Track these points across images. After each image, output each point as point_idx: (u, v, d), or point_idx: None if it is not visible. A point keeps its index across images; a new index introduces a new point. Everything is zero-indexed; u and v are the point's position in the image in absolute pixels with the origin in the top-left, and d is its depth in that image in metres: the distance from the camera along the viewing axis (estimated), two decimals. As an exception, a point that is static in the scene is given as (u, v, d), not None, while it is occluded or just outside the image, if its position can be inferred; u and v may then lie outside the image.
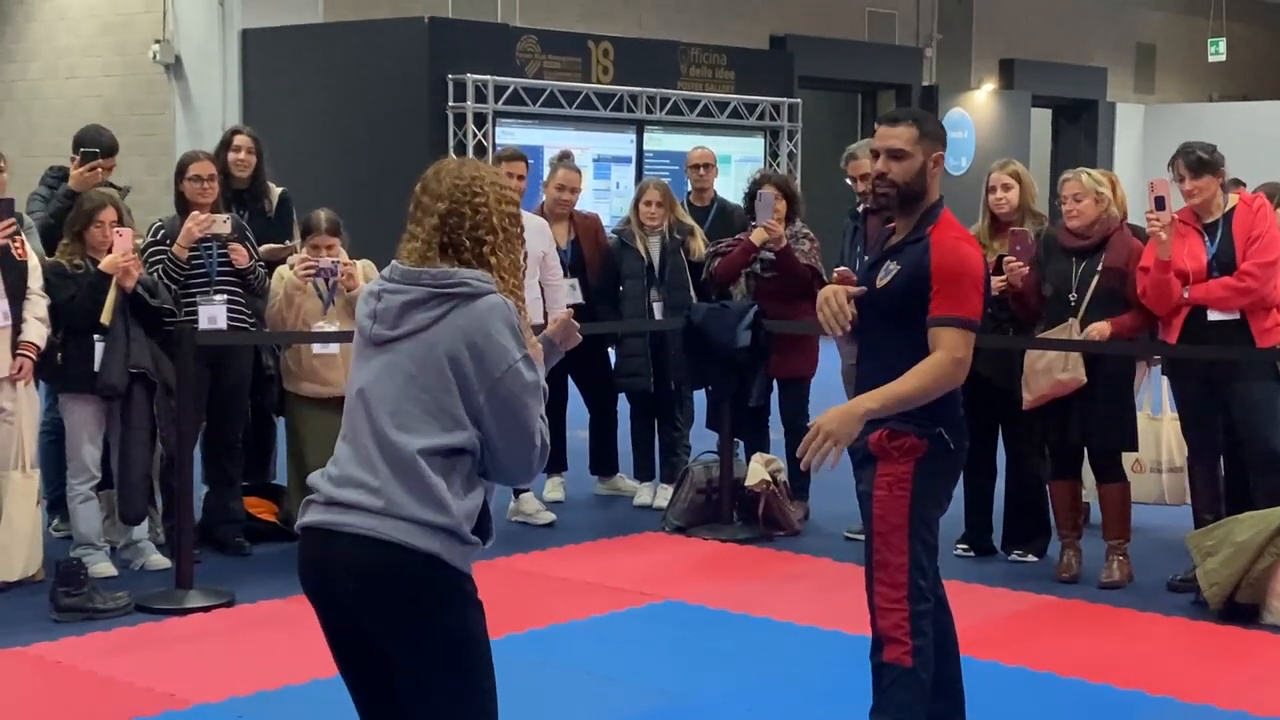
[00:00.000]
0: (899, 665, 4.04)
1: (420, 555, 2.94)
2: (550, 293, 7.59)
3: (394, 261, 3.12)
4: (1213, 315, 6.18)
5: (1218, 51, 21.95)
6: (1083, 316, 6.36)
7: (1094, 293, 6.38)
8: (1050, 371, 6.36)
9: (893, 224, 4.28)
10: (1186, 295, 6.18)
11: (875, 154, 4.16)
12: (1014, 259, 6.40)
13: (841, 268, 4.68)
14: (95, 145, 6.93)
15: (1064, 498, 6.62)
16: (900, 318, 4.08)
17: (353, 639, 3.07)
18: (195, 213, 6.58)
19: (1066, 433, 6.44)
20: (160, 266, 6.57)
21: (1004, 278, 6.46)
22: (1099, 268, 6.38)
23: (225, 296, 6.69)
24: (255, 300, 6.86)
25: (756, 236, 7.32)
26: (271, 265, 7.01)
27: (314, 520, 3.05)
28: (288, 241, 7.20)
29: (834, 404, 4.08)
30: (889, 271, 4.13)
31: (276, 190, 7.45)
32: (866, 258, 4.33)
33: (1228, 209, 6.26)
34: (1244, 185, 8.25)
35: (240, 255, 6.67)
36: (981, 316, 4.10)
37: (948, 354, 3.98)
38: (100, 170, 6.89)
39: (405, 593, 2.96)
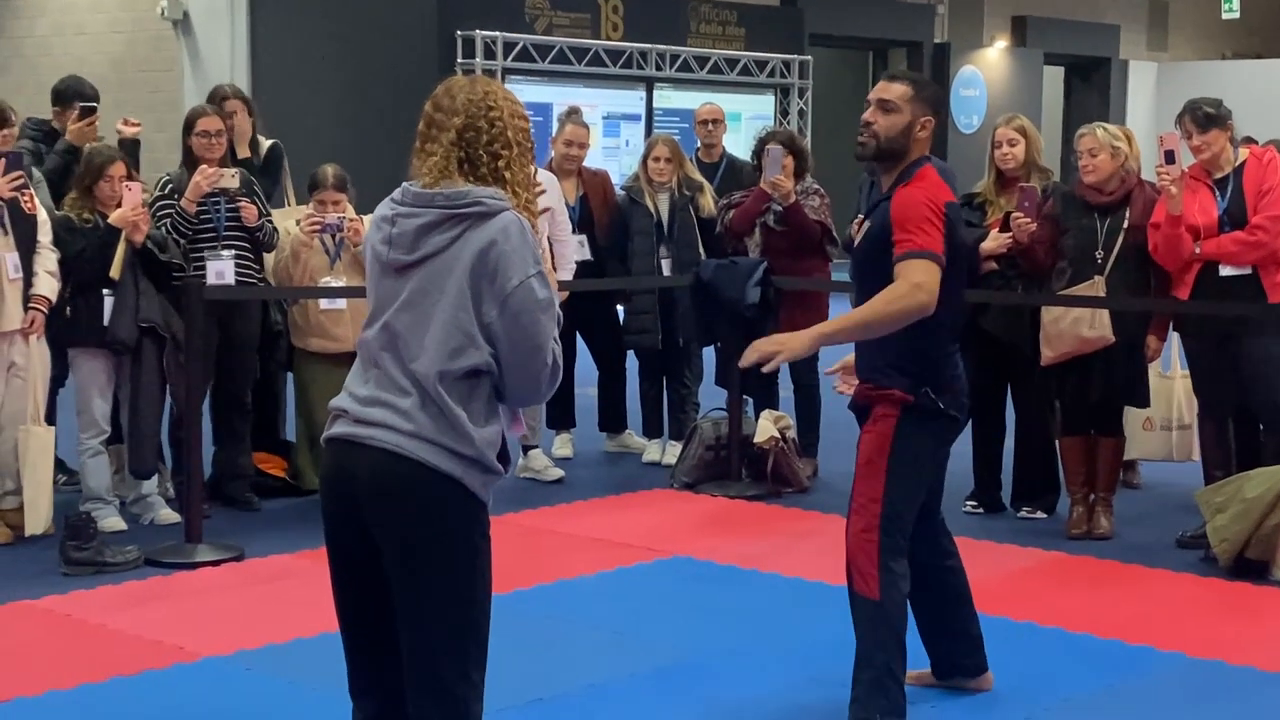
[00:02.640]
0: (867, 597, 4.15)
1: (442, 476, 2.98)
2: (558, 248, 7.57)
3: (404, 184, 3.10)
4: (1225, 270, 6.16)
5: (1231, 9, 21.79)
6: (1109, 274, 6.34)
7: (1120, 250, 6.36)
8: (1076, 329, 6.34)
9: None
10: (1198, 250, 6.15)
11: (867, 105, 4.28)
12: (1020, 214, 6.38)
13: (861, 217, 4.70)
14: (84, 98, 6.99)
15: (1074, 454, 6.61)
16: (872, 273, 4.22)
17: (360, 555, 3.07)
18: (203, 167, 6.57)
19: (1085, 389, 6.43)
20: (168, 221, 6.56)
21: (1010, 234, 6.45)
22: (1124, 225, 6.36)
23: (233, 252, 6.68)
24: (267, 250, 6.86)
25: (766, 188, 7.30)
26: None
27: (341, 432, 3.08)
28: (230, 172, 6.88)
29: (844, 360, 4.18)
30: (863, 230, 4.32)
31: (266, 143, 7.43)
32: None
33: (1238, 164, 6.23)
34: (1256, 143, 8.20)
35: (250, 212, 6.66)
36: (943, 251, 4.12)
37: (904, 280, 4.08)
38: (96, 123, 6.91)
39: (423, 510, 2.99)
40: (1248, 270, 6.15)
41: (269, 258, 6.90)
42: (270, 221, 6.84)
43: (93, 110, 6.90)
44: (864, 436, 4.26)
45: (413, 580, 3.01)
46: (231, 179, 6.62)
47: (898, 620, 4.20)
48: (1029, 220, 6.37)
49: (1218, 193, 6.21)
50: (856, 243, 4.35)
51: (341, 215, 6.71)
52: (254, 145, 7.34)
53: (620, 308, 8.12)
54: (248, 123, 7.25)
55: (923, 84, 4.32)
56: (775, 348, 4.08)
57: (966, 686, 4.62)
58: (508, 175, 3.06)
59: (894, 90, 4.24)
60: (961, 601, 4.53)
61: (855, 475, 4.25)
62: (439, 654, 3.03)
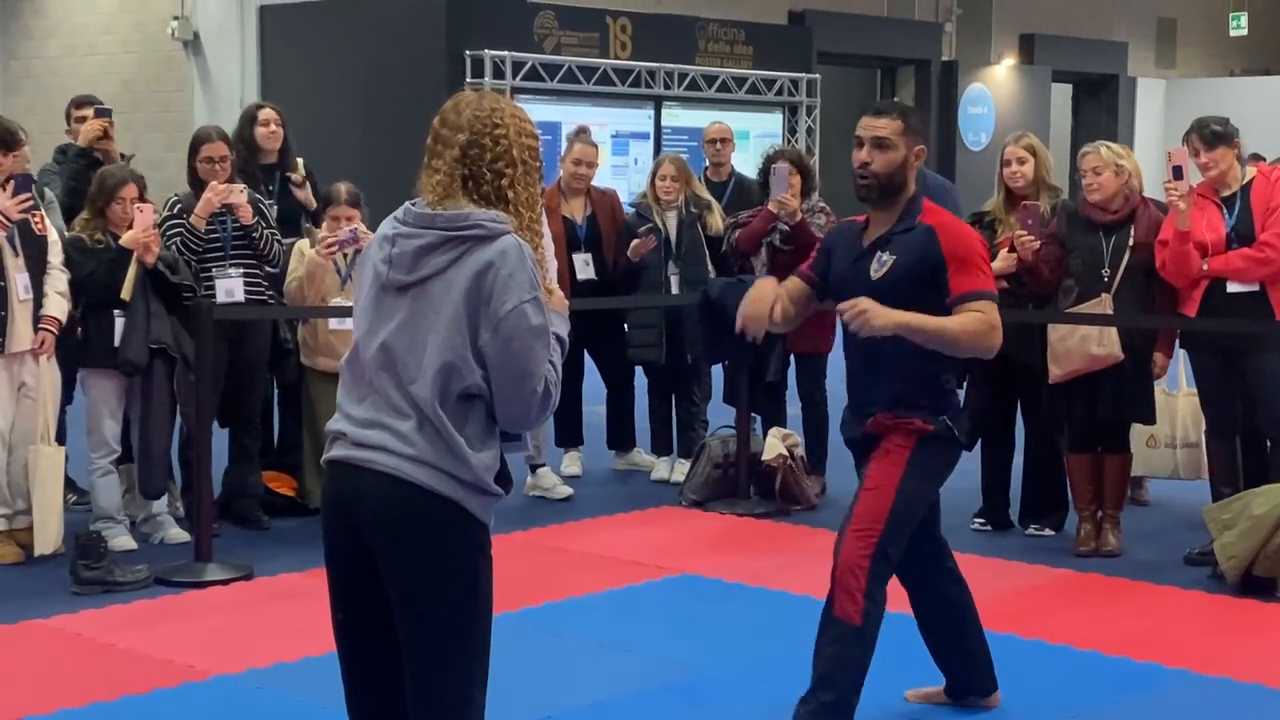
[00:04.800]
0: (848, 622, 4.14)
1: (442, 499, 2.98)
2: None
3: (406, 204, 3.10)
4: (1232, 287, 6.17)
5: (1239, 25, 21.82)
6: (1115, 292, 6.35)
7: (1126, 268, 6.37)
8: (1085, 347, 6.34)
9: (862, 218, 4.40)
10: (1205, 267, 6.16)
11: (859, 144, 4.25)
12: (1024, 232, 6.39)
13: None
14: (86, 105, 7.18)
15: (1082, 471, 6.61)
16: (901, 308, 4.14)
17: (361, 577, 3.07)
18: (214, 183, 6.60)
19: (1092, 406, 6.44)
20: (178, 238, 6.59)
21: (1015, 253, 6.47)
22: (1130, 243, 6.38)
23: (241, 270, 6.71)
24: (271, 266, 6.88)
25: (773, 207, 7.32)
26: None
27: (340, 455, 3.07)
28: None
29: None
30: (883, 263, 4.22)
31: (300, 162, 7.48)
32: (849, 255, 4.37)
33: (1245, 181, 6.25)
34: (1264, 160, 8.22)
35: (245, 211, 6.66)
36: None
37: (987, 319, 4.14)
38: (109, 127, 7.04)
39: (423, 533, 2.99)
40: (1255, 287, 6.16)
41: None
42: (273, 232, 6.84)
43: (109, 112, 7.02)
44: (874, 463, 4.22)
45: (414, 602, 3.01)
46: (240, 194, 6.65)
47: (870, 647, 4.20)
48: (1032, 238, 6.39)
49: (1225, 210, 6.22)
50: (879, 276, 4.22)
51: (354, 228, 6.72)
52: (294, 165, 7.36)
53: (625, 324, 8.13)
54: (280, 134, 7.28)
55: (908, 112, 4.32)
56: (865, 308, 4.03)
57: (979, 705, 4.63)
58: (511, 194, 3.04)
59: (885, 126, 4.21)
60: (970, 622, 4.54)
61: (858, 498, 4.21)
62: (441, 675, 3.02)
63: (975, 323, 4.13)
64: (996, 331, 4.17)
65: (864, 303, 4.06)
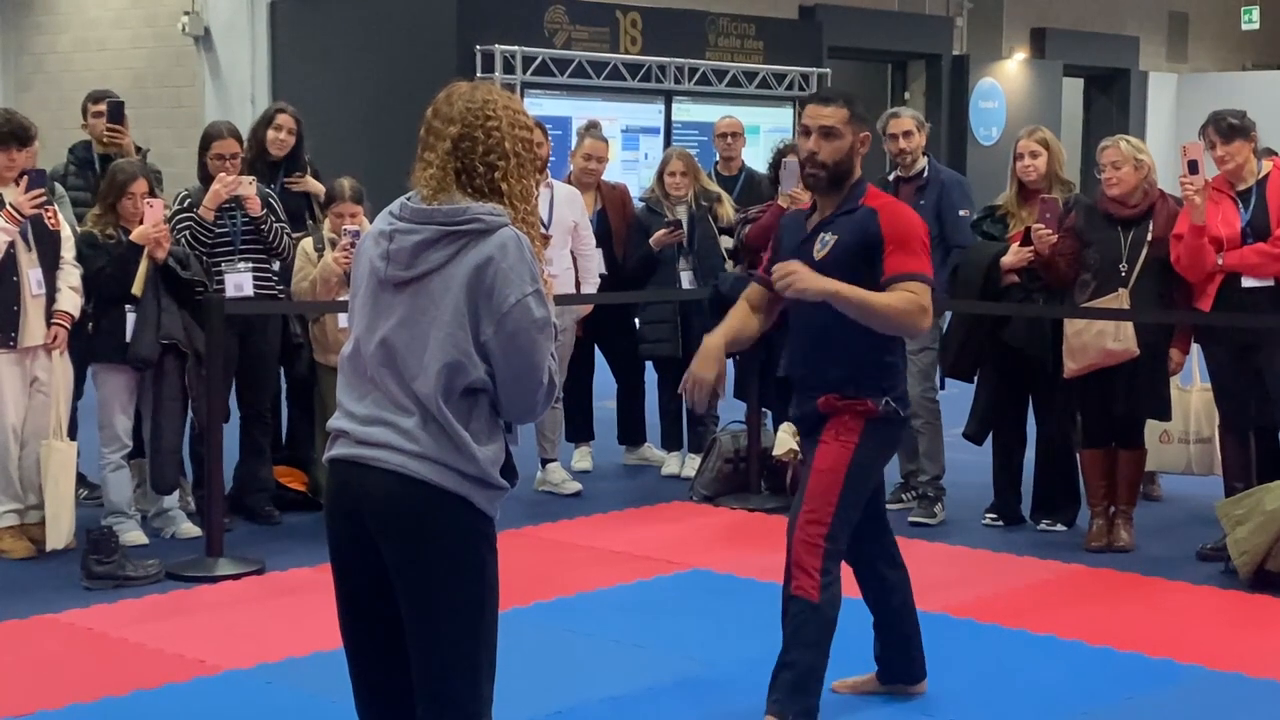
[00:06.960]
0: (806, 599, 4.19)
1: (448, 494, 2.97)
2: (583, 262, 7.60)
3: (402, 199, 3.08)
4: (1247, 282, 6.15)
5: (1251, 20, 21.76)
6: (1133, 287, 6.33)
7: (1144, 263, 6.35)
8: (1101, 341, 6.32)
9: (795, 202, 4.44)
10: (1221, 262, 6.14)
11: (806, 132, 4.30)
12: (1042, 226, 6.38)
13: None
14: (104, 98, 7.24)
15: (1095, 466, 6.60)
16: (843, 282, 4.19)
17: (368, 574, 3.07)
18: (221, 175, 6.60)
19: (1107, 402, 6.42)
20: (188, 231, 6.59)
21: (1032, 247, 6.45)
22: (1148, 238, 6.35)
23: (250, 264, 6.71)
24: (281, 260, 6.89)
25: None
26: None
27: (345, 453, 3.06)
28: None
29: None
30: (825, 243, 4.28)
31: (308, 162, 7.46)
32: (798, 239, 4.41)
33: (1261, 176, 6.22)
34: (1277, 155, 8.19)
35: (254, 203, 6.66)
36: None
37: (918, 300, 4.17)
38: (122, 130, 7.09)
39: (430, 528, 2.98)
40: (1271, 282, 6.14)
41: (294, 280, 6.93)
42: (283, 227, 6.83)
43: (119, 106, 7.04)
44: (824, 446, 4.27)
45: (422, 597, 3.01)
46: (249, 186, 6.65)
47: (831, 623, 4.26)
48: (1049, 232, 6.37)
49: (1241, 204, 6.20)
50: (821, 255, 4.26)
51: (357, 228, 6.71)
52: (302, 169, 7.34)
53: (636, 319, 8.12)
54: (290, 143, 7.25)
55: (853, 100, 4.34)
56: (794, 269, 4.11)
57: (904, 692, 4.65)
58: (504, 187, 3.02)
59: (832, 114, 4.25)
60: (904, 604, 4.58)
61: (810, 480, 4.26)
62: (450, 669, 3.02)
63: (903, 301, 4.15)
64: (926, 314, 4.19)
65: (794, 265, 4.15)
